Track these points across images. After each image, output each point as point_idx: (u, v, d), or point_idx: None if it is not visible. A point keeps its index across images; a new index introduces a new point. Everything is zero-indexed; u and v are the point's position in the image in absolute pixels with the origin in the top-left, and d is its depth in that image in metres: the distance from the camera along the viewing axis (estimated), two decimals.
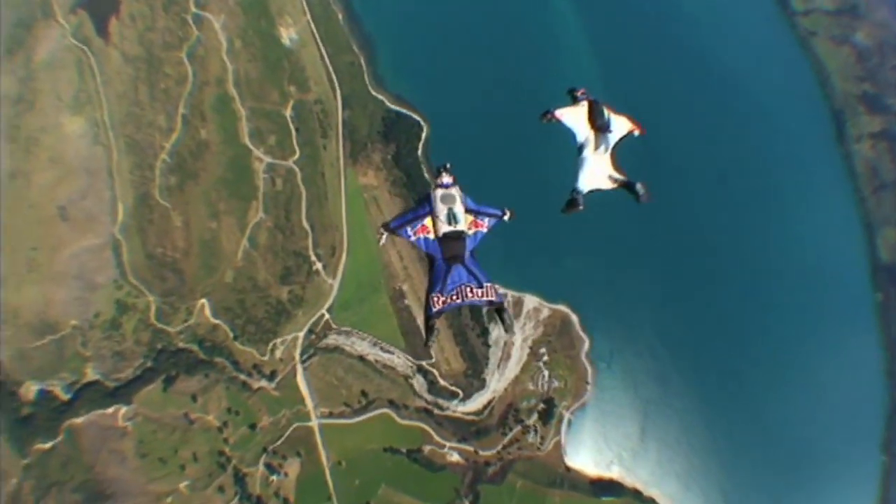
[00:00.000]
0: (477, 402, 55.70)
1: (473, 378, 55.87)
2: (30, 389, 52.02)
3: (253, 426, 53.28)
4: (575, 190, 9.48)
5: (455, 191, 8.69)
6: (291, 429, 53.68)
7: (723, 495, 56.25)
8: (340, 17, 58.67)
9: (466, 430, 55.22)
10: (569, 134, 9.82)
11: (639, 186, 9.19)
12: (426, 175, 56.17)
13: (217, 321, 53.91)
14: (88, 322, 52.80)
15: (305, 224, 55.33)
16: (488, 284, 8.15)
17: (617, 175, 9.54)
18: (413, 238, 8.65)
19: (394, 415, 54.54)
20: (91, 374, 52.48)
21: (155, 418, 52.45)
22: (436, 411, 55.09)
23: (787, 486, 55.72)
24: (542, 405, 56.19)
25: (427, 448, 54.51)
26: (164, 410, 52.59)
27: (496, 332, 55.94)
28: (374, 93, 57.77)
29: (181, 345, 53.36)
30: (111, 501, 51.43)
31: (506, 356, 56.21)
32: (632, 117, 9.99)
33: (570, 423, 56.40)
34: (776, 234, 57.56)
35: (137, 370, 52.82)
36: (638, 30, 60.38)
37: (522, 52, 57.51)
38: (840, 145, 60.17)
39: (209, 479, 52.53)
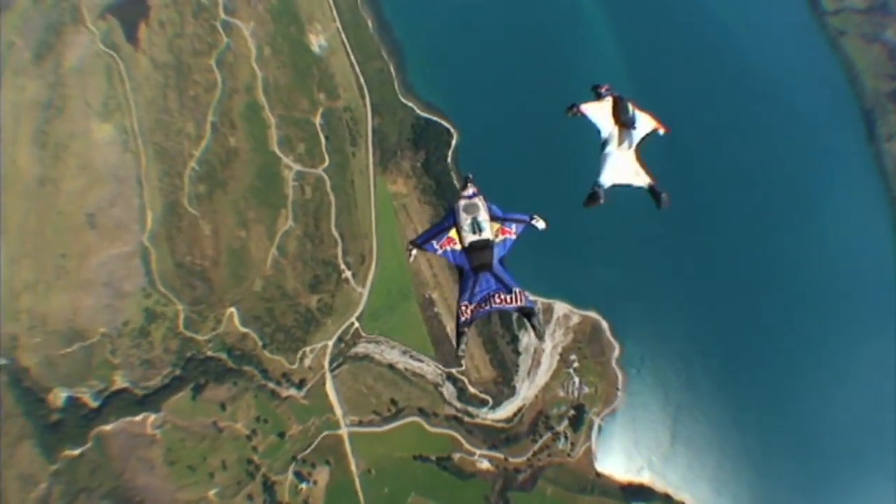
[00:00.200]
0: (507, 410, 55.38)
1: (503, 385, 55.54)
2: (58, 396, 52.23)
3: (282, 434, 53.14)
4: (596, 184, 9.39)
5: (479, 200, 8.63)
6: (321, 437, 53.53)
7: (754, 499, 55.64)
8: (370, 23, 58.71)
9: (496, 437, 54.89)
10: (594, 130, 9.75)
11: (664, 197, 9.21)
12: (455, 183, 55.82)
13: (246, 330, 53.89)
14: (117, 330, 52.93)
15: (335, 232, 55.24)
16: (517, 290, 8.04)
17: (642, 172, 9.51)
18: (440, 251, 8.59)
19: (423, 423, 54.29)
20: (120, 381, 52.61)
21: (184, 426, 52.43)
22: (465, 419, 54.79)
23: (818, 489, 55.05)
24: (572, 411, 55.85)
25: (457, 456, 54.23)
26: (192, 419, 52.57)
27: (526, 339, 55.67)
28: (403, 100, 57.70)
29: (210, 353, 53.39)
30: None
31: (536, 363, 55.87)
32: (656, 115, 9.91)
33: (600, 428, 56.01)
34: (805, 235, 57.01)
35: (166, 378, 52.87)
36: (667, 32, 60.05)
37: (551, 57, 57.17)
38: (870, 144, 59.43)
39: (238, 487, 52.44)
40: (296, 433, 53.30)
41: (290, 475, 52.79)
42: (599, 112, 9.74)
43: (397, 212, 56.41)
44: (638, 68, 57.27)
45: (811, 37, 61.76)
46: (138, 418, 52.35)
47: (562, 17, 59.05)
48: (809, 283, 56.59)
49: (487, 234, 8.38)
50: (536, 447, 55.00)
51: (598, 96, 9.91)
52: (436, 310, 54.99)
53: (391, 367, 54.63)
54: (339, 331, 54.63)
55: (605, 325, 56.47)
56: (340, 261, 55.06)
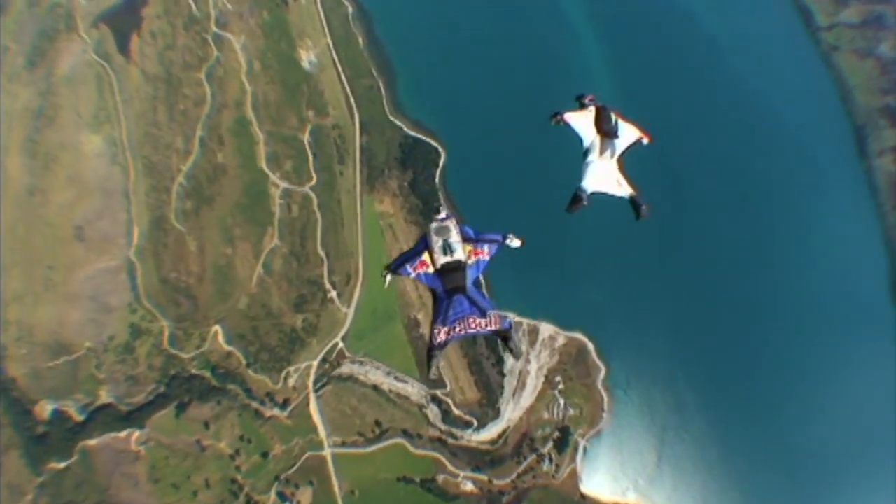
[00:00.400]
0: (492, 432, 55.13)
1: (488, 407, 55.29)
2: (45, 408, 52.16)
3: (265, 454, 52.95)
4: (579, 188, 9.42)
5: (450, 223, 8.49)
6: (304, 457, 53.24)
7: None
8: (360, 40, 58.23)
9: (481, 459, 54.64)
10: (576, 139, 9.83)
11: (644, 208, 9.25)
12: (443, 202, 55.60)
13: (230, 348, 53.66)
14: (103, 345, 52.77)
15: (321, 251, 54.94)
16: (492, 313, 7.96)
17: (624, 183, 9.52)
18: (413, 274, 8.49)
19: (407, 444, 54.02)
20: (105, 396, 52.46)
21: (167, 444, 52.31)
22: (450, 441, 54.55)
23: None
24: (557, 433, 55.55)
25: (441, 477, 53.95)
26: (176, 436, 52.43)
27: (511, 361, 55.41)
28: (392, 118, 57.28)
29: (194, 371, 53.13)
30: None
31: (521, 385, 55.62)
32: (640, 125, 9.97)
33: (585, 450, 55.80)
34: (795, 252, 56.70)
35: (150, 395, 52.66)
36: (658, 47, 59.88)
37: (542, 78, 56.79)
38: (862, 160, 59.11)
39: None
40: (279, 453, 53.06)
41: (274, 495, 52.56)
42: (582, 121, 9.80)
43: (384, 231, 56.11)
44: (628, 85, 56.92)
45: (804, 51, 61.56)
46: (123, 434, 52.17)
47: (553, 36, 58.77)
48: (799, 300, 56.38)
49: (459, 255, 8.28)
50: (521, 469, 54.70)
51: (583, 106, 9.95)
52: (421, 331, 54.67)
53: (375, 388, 54.37)
54: (324, 351, 54.33)
55: (590, 346, 56.15)
56: (326, 280, 54.78)
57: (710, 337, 56.74)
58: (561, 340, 56.09)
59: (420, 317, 54.97)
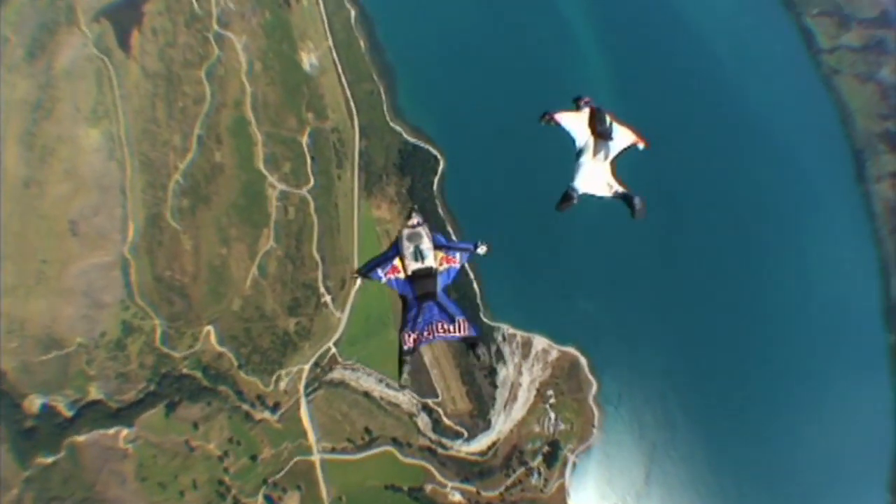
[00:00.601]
0: (482, 443, 54.93)
1: (479, 418, 55.10)
2: (34, 403, 51.91)
3: (254, 457, 52.72)
4: (570, 187, 9.43)
5: (423, 230, 8.75)
6: (293, 462, 53.02)
7: None
8: (362, 44, 57.76)
9: (469, 470, 54.45)
10: (568, 139, 9.86)
11: (637, 201, 9.20)
12: (440, 210, 55.35)
13: (222, 349, 53.37)
14: (94, 341, 52.50)
15: (316, 255, 54.59)
16: (461, 319, 8.16)
17: (616, 185, 9.52)
18: (384, 279, 8.80)
19: (397, 452, 53.83)
20: (95, 393, 52.19)
21: (156, 443, 52.08)
22: (439, 451, 54.35)
23: None
24: (547, 447, 55.37)
25: (429, 487, 53.78)
26: (165, 436, 52.19)
27: (504, 372, 55.24)
28: (392, 124, 56.84)
29: (185, 371, 52.86)
30: None
31: (513, 397, 55.43)
32: (636, 130, 9.94)
33: (574, 465, 55.61)
34: (790, 274, 56.62)
35: (140, 393, 52.40)
36: (660, 64, 59.61)
37: (544, 91, 56.38)
38: (860, 185, 58.86)
39: None
40: (268, 456, 52.84)
41: (261, 498, 52.35)
42: (575, 121, 9.81)
43: (380, 237, 55.67)
44: (627, 103, 56.48)
45: (805, 73, 61.23)
46: (111, 431, 51.94)
47: (553, 44, 58.45)
48: (793, 322, 56.25)
49: (430, 262, 8.46)
50: (509, 482, 54.47)
51: (578, 108, 9.92)
52: None
53: (367, 394, 54.11)
54: (316, 355, 54.04)
55: (583, 361, 55.91)
56: (320, 284, 54.40)
57: (701, 356, 56.63)
58: (554, 354, 55.85)
59: None
